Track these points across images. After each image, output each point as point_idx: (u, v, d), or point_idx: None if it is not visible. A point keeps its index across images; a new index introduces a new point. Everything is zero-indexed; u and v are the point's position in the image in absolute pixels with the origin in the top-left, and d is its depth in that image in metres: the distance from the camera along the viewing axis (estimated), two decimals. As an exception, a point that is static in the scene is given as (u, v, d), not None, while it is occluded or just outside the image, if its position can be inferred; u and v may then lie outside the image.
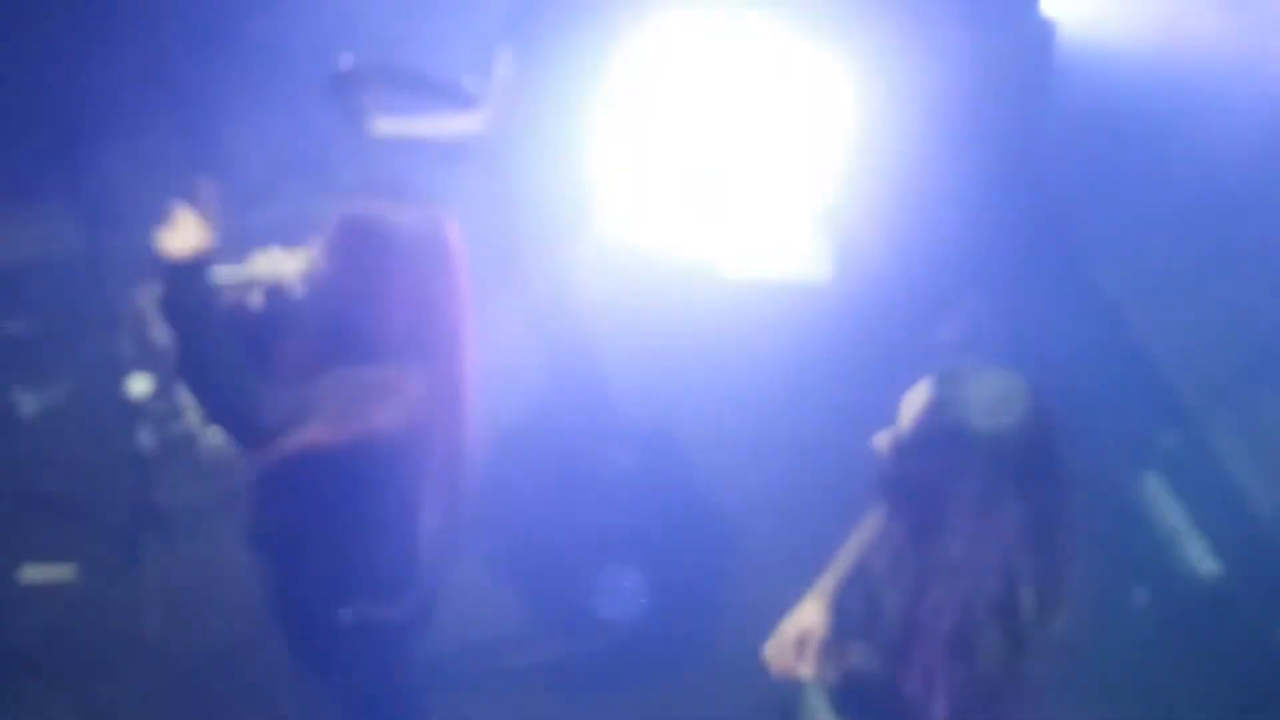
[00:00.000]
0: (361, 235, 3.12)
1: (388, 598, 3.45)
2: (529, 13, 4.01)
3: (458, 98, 4.21)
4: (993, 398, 2.70)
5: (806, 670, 3.17)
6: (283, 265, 3.24)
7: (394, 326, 3.14)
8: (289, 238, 3.24)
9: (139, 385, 4.93)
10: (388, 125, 4.13)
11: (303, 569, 3.33)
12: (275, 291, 3.25)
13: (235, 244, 4.82)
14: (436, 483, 3.31)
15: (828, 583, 3.25)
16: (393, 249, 3.11)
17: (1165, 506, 4.91)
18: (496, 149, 4.16)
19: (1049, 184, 5.64)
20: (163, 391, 4.96)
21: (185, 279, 3.14)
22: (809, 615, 3.22)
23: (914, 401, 2.77)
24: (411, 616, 3.51)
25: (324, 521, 3.22)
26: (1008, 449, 2.68)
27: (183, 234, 3.14)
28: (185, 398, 4.83)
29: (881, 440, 2.83)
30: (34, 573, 4.63)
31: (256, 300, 3.29)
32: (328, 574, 3.32)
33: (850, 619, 3.21)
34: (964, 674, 2.79)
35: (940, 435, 2.72)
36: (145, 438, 4.78)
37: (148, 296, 5.08)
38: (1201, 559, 4.76)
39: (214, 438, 4.78)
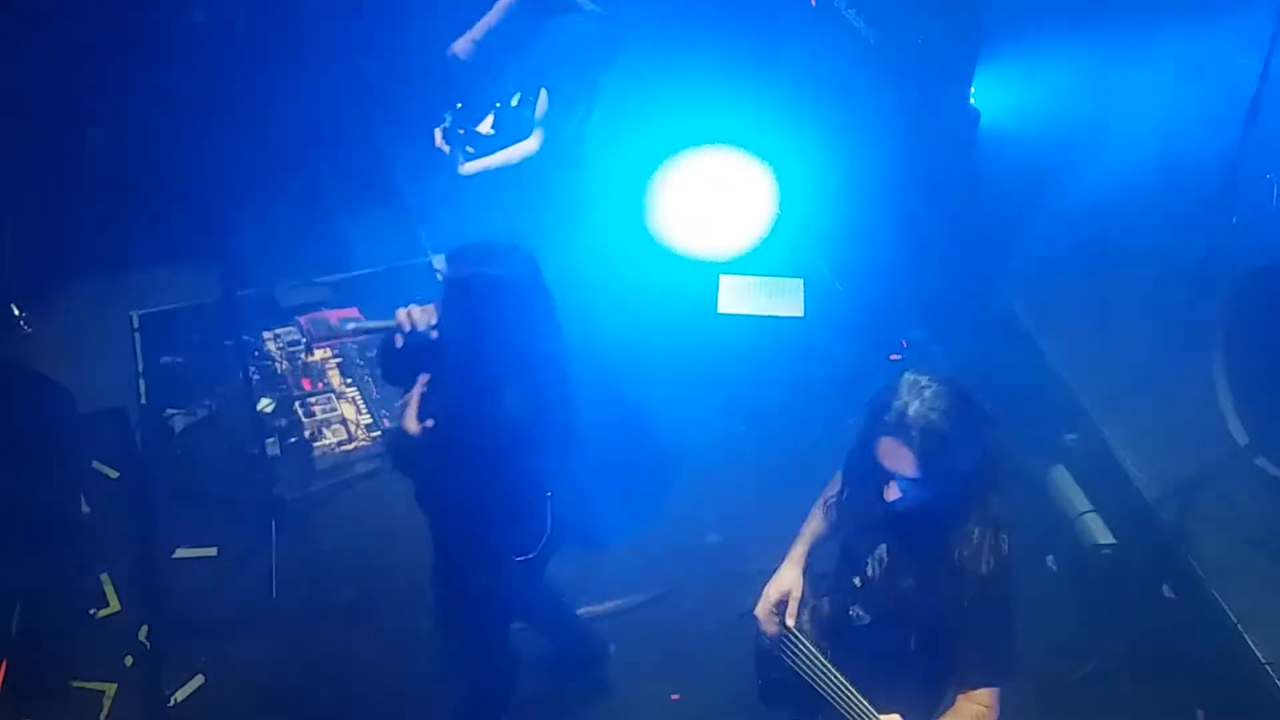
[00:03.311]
0: (467, 289, 3.13)
1: (524, 545, 3.54)
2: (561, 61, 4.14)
3: None
4: (938, 393, 2.74)
5: (789, 621, 3.23)
6: (417, 316, 3.24)
7: (506, 351, 3.16)
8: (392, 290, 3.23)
9: (265, 405, 5.01)
10: (472, 165, 4.27)
11: (461, 527, 3.41)
12: (414, 333, 3.25)
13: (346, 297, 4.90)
14: (553, 458, 3.37)
15: (798, 550, 3.30)
16: (495, 295, 3.12)
17: (1070, 491, 4.91)
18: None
19: (975, 236, 5.68)
20: (283, 409, 5.06)
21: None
22: (786, 577, 3.27)
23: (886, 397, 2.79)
24: (541, 559, 3.60)
25: (475, 489, 3.28)
26: (951, 428, 2.72)
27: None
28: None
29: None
30: (185, 552, 4.68)
31: (400, 340, 3.30)
32: (480, 528, 3.39)
33: (824, 576, 3.29)
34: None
35: (888, 417, 2.76)
36: (270, 445, 4.88)
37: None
38: (1100, 532, 4.76)
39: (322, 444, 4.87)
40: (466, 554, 3.50)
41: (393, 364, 3.45)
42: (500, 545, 3.49)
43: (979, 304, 5.58)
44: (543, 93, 4.19)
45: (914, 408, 2.72)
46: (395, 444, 3.46)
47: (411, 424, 3.25)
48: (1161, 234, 5.40)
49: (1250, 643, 4.25)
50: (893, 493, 2.80)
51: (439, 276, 3.20)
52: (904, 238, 5.39)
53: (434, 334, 3.22)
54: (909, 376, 2.78)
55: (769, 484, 4.90)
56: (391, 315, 3.26)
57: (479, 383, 3.18)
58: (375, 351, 3.44)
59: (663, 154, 6.10)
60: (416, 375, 3.33)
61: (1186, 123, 5.51)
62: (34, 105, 5.92)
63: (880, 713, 2.96)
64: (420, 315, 3.23)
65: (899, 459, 2.75)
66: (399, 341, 3.31)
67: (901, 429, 2.72)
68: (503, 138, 4.34)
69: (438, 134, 4.23)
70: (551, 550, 3.65)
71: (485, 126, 4.35)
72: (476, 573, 3.53)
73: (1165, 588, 4.56)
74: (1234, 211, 5.00)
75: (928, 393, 2.73)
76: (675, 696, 4.39)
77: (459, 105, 4.22)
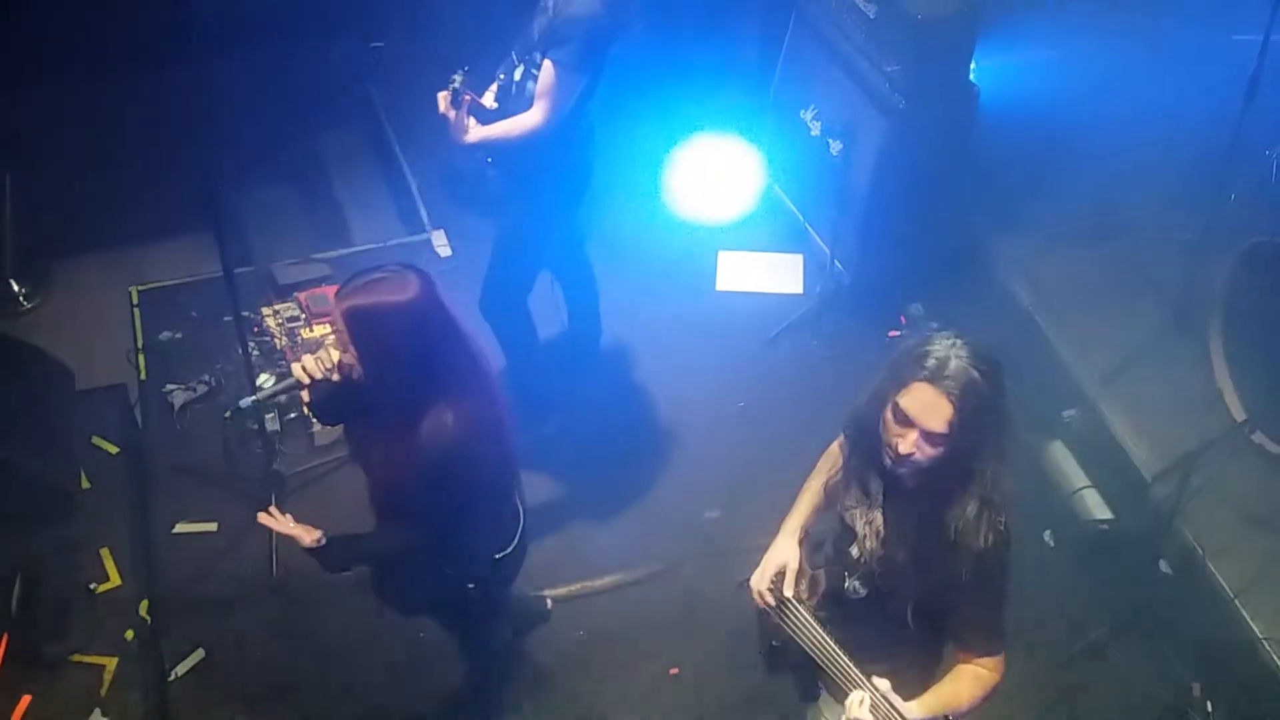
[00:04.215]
0: (365, 323, 3.03)
1: (500, 543, 3.53)
2: (566, 33, 4.09)
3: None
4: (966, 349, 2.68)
5: (788, 592, 3.19)
6: (311, 365, 3.19)
7: (419, 376, 3.07)
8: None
9: (264, 380, 4.97)
10: (474, 132, 4.21)
11: (433, 535, 3.32)
12: (315, 383, 3.21)
13: (345, 274, 4.87)
14: (503, 459, 3.33)
15: (792, 522, 3.28)
16: (392, 324, 3.02)
17: (1068, 467, 4.89)
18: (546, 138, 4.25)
19: (975, 215, 5.65)
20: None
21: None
22: (782, 549, 3.24)
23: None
24: (516, 554, 3.59)
25: (446, 502, 3.22)
26: (971, 379, 2.65)
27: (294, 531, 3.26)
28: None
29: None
30: (185, 527, 4.66)
31: (305, 394, 3.27)
32: (453, 536, 3.32)
33: (820, 548, 3.27)
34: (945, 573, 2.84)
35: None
36: (270, 421, 4.84)
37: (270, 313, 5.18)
38: (1097, 508, 4.74)
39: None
40: (445, 563, 3.46)
41: (319, 409, 3.43)
42: (476, 549, 3.47)
43: (977, 280, 5.55)
44: (546, 64, 4.13)
45: (955, 362, 2.66)
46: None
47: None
48: (1160, 210, 5.39)
49: (1246, 617, 4.26)
50: (908, 444, 2.73)
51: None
52: (903, 214, 5.35)
53: (335, 376, 3.17)
54: (941, 335, 2.72)
55: (768, 460, 4.87)
56: None
57: (401, 409, 3.11)
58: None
59: (661, 130, 6.09)
60: (347, 410, 3.31)
61: (1186, 99, 5.49)
62: (32, 81, 5.89)
63: (874, 679, 2.94)
64: (313, 364, 3.18)
65: (932, 409, 2.67)
66: (305, 396, 3.27)
67: (942, 379, 2.65)
68: (504, 110, 4.28)
69: (442, 98, 4.14)
70: (528, 540, 3.63)
71: (488, 99, 4.29)
72: (459, 578, 3.51)
73: (1162, 563, 4.56)
74: (1232, 188, 4.97)
75: (965, 351, 2.67)
76: (674, 670, 4.38)
77: (466, 69, 4.14)
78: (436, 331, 3.08)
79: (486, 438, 3.17)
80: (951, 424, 2.68)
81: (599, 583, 4.60)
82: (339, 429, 4.79)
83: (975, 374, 2.65)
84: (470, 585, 3.50)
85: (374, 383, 3.11)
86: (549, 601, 4.47)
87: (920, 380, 2.68)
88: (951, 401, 2.66)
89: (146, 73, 6.04)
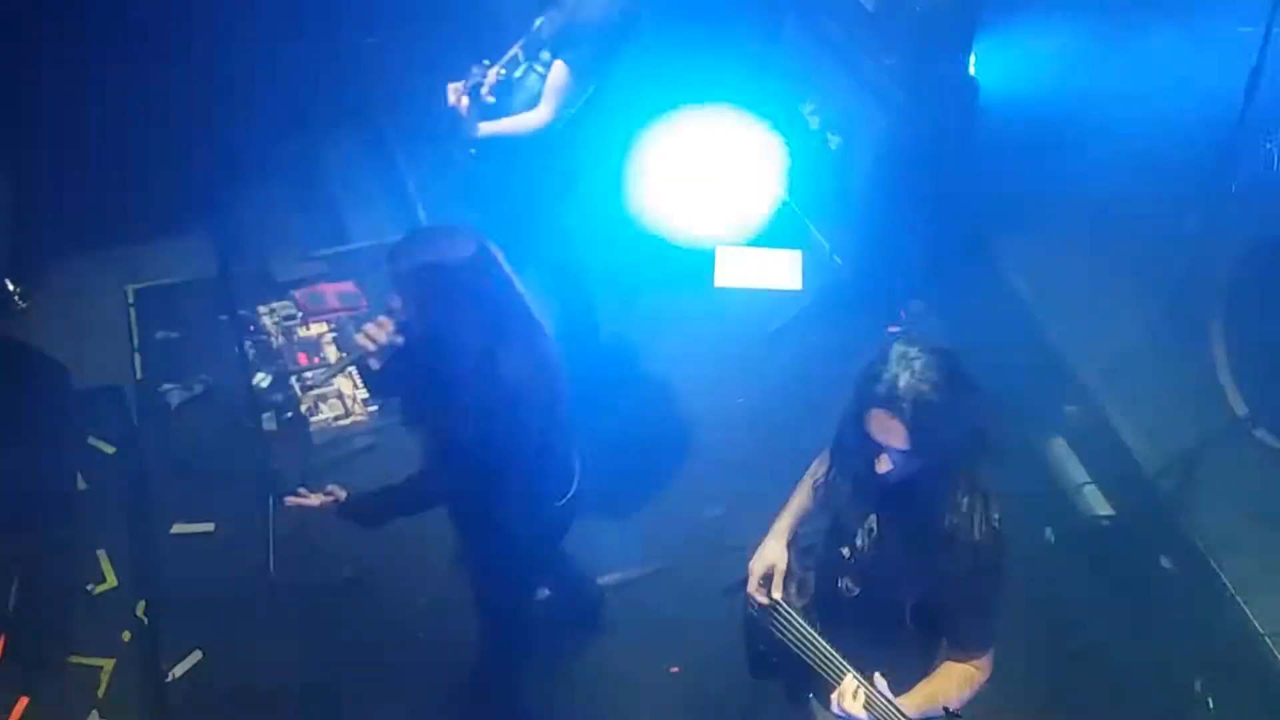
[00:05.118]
0: (419, 282, 3.10)
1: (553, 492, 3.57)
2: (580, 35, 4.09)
3: None
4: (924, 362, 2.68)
5: (776, 594, 3.21)
6: (374, 332, 3.24)
7: (475, 329, 3.14)
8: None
9: (260, 379, 4.98)
10: (484, 127, 4.21)
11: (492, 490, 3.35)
12: (380, 348, 3.26)
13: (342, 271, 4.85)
14: (554, 408, 3.34)
15: (782, 523, 3.28)
16: (448, 281, 3.09)
17: (1068, 462, 4.88)
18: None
19: (975, 210, 5.64)
20: (279, 384, 5.02)
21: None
22: (770, 551, 3.25)
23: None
24: (568, 507, 3.63)
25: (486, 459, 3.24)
26: (930, 394, 2.65)
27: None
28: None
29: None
30: (182, 527, 4.65)
31: (374, 363, 3.31)
32: (504, 482, 3.34)
33: (811, 549, 3.27)
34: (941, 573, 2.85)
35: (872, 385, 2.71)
36: (267, 421, 4.85)
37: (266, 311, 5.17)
38: (1098, 504, 4.75)
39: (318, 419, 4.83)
40: (495, 507, 3.47)
41: (375, 381, 3.45)
42: (531, 493, 3.48)
43: (977, 275, 5.53)
44: (558, 64, 4.12)
45: (904, 380, 2.66)
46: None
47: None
48: (1161, 203, 5.37)
49: (1249, 613, 4.24)
50: (884, 465, 2.76)
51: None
52: (902, 209, 5.35)
53: (399, 339, 3.22)
54: (899, 347, 2.72)
55: (769, 456, 4.84)
56: (386, 290, 3.23)
57: (459, 365, 3.16)
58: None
59: (660, 123, 6.07)
60: (402, 381, 3.35)
61: (1187, 92, 5.48)
62: (28, 79, 5.88)
63: (874, 677, 2.94)
64: (375, 330, 3.23)
65: (890, 432, 2.71)
66: (374, 364, 3.31)
67: (892, 402, 2.67)
68: (501, 106, 4.27)
69: (454, 90, 4.13)
70: (579, 503, 3.67)
71: (484, 92, 4.28)
72: (508, 522, 3.50)
73: (1164, 559, 4.55)
74: (1234, 180, 4.96)
75: (918, 364, 2.67)
76: (675, 669, 4.38)
77: (485, 63, 4.14)
78: (495, 283, 3.16)
79: (539, 384, 3.23)
80: (913, 442, 2.70)
81: (600, 581, 4.59)
82: (336, 427, 4.84)
83: (924, 388, 2.65)
84: (518, 532, 3.50)
85: (433, 339, 3.17)
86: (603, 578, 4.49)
87: (873, 406, 2.71)
88: (904, 423, 2.67)
89: (143, 69, 6.02)
